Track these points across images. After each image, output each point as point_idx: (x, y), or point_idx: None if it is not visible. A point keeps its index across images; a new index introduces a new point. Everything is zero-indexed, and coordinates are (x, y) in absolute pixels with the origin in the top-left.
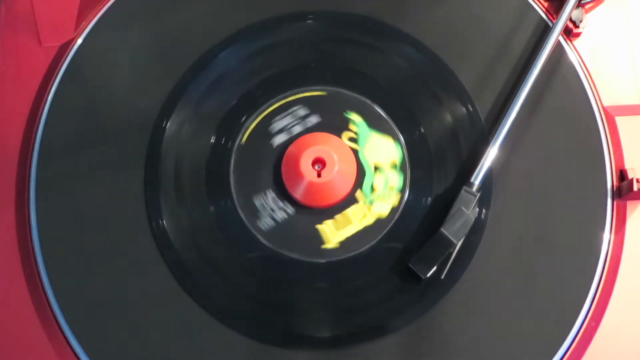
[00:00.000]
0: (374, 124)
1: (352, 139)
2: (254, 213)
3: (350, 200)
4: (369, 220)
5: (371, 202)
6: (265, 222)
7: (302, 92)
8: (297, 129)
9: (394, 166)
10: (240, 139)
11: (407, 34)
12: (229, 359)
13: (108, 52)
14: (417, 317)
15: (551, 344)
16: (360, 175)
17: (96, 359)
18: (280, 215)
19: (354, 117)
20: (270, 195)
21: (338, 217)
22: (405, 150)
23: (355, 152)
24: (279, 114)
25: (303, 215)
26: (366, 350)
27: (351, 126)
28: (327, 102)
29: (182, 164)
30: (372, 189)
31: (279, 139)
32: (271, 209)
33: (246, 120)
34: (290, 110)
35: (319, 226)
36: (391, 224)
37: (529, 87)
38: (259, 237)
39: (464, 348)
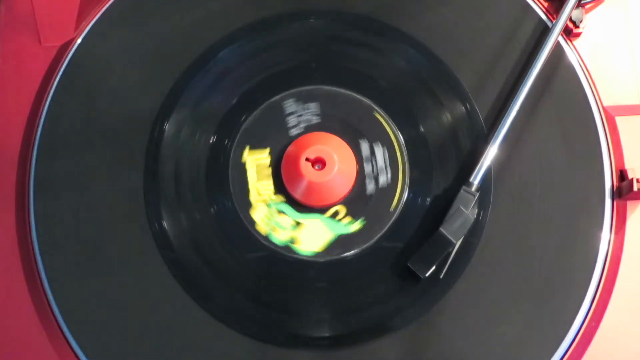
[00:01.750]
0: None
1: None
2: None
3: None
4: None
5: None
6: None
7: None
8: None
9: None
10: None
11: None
12: (229, 359)
13: (108, 52)
14: (416, 316)
15: (551, 344)
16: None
17: (96, 359)
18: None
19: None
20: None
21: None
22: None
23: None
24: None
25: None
26: (366, 350)
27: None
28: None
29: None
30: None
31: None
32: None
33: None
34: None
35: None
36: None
37: (529, 87)
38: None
39: (463, 348)
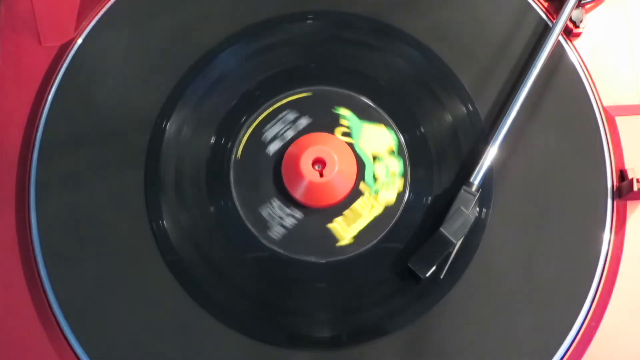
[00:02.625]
0: (364, 114)
1: (345, 134)
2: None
3: (355, 194)
4: (378, 210)
5: (377, 192)
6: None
7: (302, 91)
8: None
9: (392, 152)
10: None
11: (407, 34)
12: (229, 359)
13: (108, 52)
14: (417, 317)
15: (551, 344)
16: (361, 168)
17: (96, 359)
18: (289, 222)
19: (343, 111)
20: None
21: (347, 212)
22: (405, 150)
23: (351, 145)
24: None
25: (311, 217)
26: (366, 350)
27: (342, 121)
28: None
29: (182, 164)
30: (375, 178)
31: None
32: (279, 217)
33: (246, 120)
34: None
35: (329, 225)
36: (391, 224)
37: (529, 87)
38: (259, 237)
39: (463, 348)
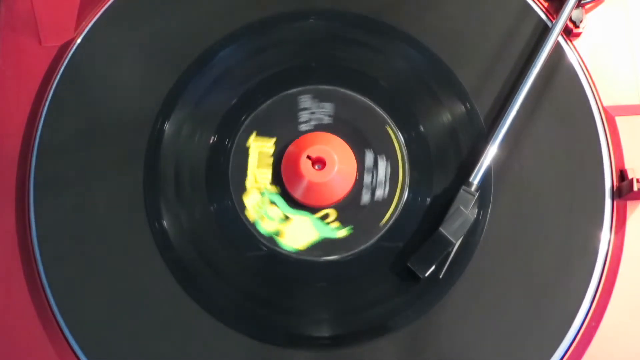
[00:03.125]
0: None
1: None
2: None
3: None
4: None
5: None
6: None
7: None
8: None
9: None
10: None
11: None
12: (229, 359)
13: (108, 52)
14: (416, 316)
15: (551, 343)
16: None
17: (96, 359)
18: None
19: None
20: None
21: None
22: (404, 150)
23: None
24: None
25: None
26: (366, 350)
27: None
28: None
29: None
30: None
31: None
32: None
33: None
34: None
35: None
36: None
37: (529, 87)
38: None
39: (463, 348)
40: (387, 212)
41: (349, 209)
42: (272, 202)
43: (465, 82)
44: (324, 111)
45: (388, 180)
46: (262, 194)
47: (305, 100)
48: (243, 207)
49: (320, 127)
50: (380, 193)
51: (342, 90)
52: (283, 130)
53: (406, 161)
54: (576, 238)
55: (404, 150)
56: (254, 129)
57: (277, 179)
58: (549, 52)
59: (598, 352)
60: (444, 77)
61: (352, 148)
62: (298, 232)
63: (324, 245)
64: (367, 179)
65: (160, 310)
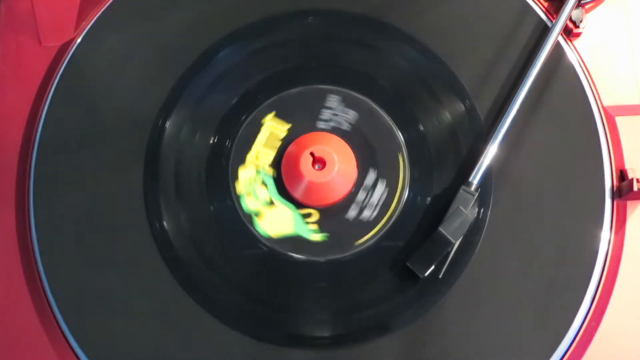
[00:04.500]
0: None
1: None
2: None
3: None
4: None
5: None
6: None
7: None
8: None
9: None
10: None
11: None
12: (229, 359)
13: (108, 52)
14: (416, 316)
15: (551, 343)
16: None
17: (95, 359)
18: None
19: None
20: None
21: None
22: (404, 150)
23: None
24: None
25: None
26: (366, 350)
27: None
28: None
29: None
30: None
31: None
32: None
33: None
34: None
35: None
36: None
37: (528, 87)
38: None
39: (463, 348)
40: (366, 234)
41: (332, 217)
42: (264, 183)
43: (466, 82)
44: (346, 117)
45: (380, 205)
46: (257, 171)
47: (333, 100)
48: (235, 177)
49: (336, 131)
50: (367, 214)
51: (371, 104)
52: (301, 121)
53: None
54: (576, 238)
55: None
56: (274, 108)
57: (277, 163)
58: (549, 52)
59: (598, 352)
60: (444, 77)
61: (358, 162)
62: (276, 220)
63: (294, 241)
64: (361, 196)
65: (160, 310)
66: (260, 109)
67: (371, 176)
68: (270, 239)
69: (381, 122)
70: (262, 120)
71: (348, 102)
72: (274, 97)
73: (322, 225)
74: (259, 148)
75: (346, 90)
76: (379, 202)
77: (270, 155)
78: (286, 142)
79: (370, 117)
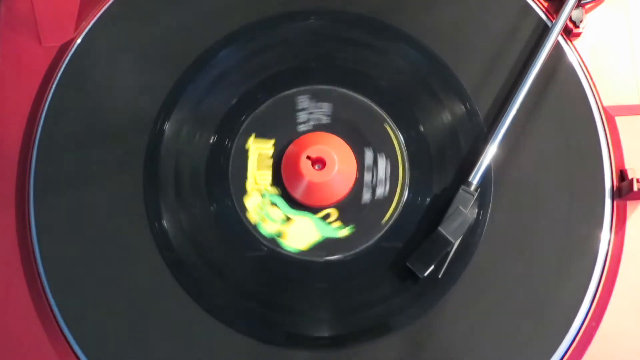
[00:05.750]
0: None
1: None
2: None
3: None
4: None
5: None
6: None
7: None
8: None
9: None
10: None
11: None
12: (229, 359)
13: (108, 52)
14: (415, 316)
15: (551, 344)
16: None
17: (96, 359)
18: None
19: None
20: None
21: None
22: (404, 149)
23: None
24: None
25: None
26: (366, 350)
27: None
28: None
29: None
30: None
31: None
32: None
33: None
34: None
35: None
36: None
37: (528, 87)
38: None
39: (463, 348)
40: (388, 209)
41: (350, 208)
42: (273, 204)
43: (465, 82)
44: (322, 111)
45: (388, 178)
46: (262, 195)
47: (303, 101)
48: (244, 209)
49: (318, 127)
50: (380, 191)
51: (339, 89)
52: (282, 132)
53: (406, 161)
54: (576, 238)
55: (404, 149)
56: (252, 130)
57: (277, 180)
58: (549, 52)
59: (598, 352)
60: (443, 77)
61: (351, 147)
62: (300, 233)
63: (327, 245)
64: (368, 177)
65: (160, 310)
66: (239, 136)
67: (369, 155)
68: (302, 252)
69: (356, 102)
70: (246, 146)
71: (317, 97)
72: (248, 120)
73: (344, 219)
74: (255, 173)
75: (311, 87)
76: (386, 175)
77: (267, 175)
78: (277, 156)
79: (342, 101)
